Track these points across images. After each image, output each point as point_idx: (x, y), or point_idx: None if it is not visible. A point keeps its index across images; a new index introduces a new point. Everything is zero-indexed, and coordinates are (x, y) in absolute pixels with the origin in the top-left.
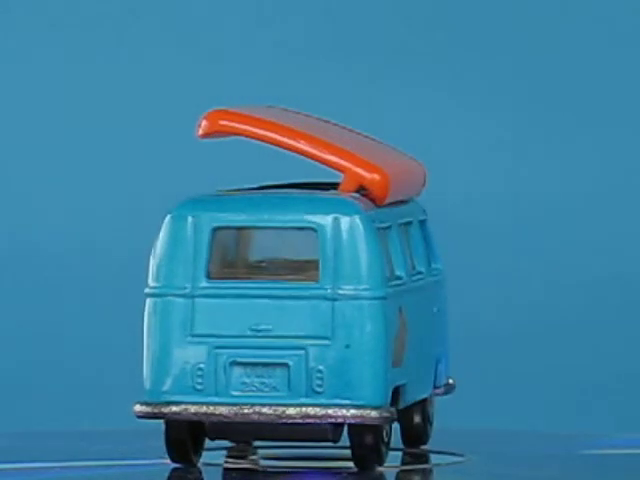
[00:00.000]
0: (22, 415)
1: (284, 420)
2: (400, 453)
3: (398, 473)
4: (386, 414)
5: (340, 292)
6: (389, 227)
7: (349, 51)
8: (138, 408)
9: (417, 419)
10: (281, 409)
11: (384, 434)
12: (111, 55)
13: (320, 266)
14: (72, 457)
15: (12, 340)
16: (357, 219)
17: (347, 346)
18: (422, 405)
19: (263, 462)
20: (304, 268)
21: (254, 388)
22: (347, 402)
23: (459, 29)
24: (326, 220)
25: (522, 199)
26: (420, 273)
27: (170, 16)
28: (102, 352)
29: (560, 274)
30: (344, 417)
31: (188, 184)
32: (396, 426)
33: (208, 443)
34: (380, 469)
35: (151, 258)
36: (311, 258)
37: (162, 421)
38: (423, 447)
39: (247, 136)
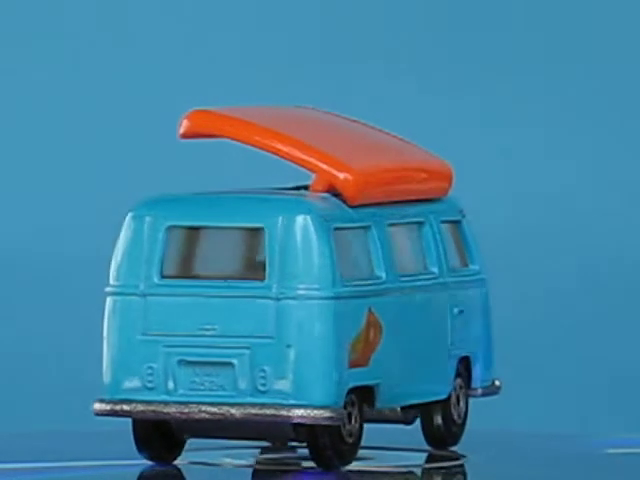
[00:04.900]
0: (22, 415)
1: (229, 419)
2: (404, 453)
3: (401, 473)
4: (330, 414)
5: (285, 291)
6: (367, 227)
7: (360, 50)
8: (96, 406)
9: (438, 420)
10: (225, 408)
11: (343, 433)
12: (98, 56)
13: (267, 265)
14: (72, 457)
15: (12, 339)
16: (307, 219)
17: (288, 346)
18: (443, 406)
19: (262, 462)
20: (254, 268)
21: (202, 387)
22: (292, 402)
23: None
24: (275, 220)
25: (545, 198)
26: (430, 273)
27: (158, 16)
28: (102, 352)
29: (563, 275)
30: (288, 417)
31: (174, 185)
32: (395, 426)
33: (209, 443)
34: (377, 469)
35: (113, 257)
36: (261, 258)
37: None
38: (443, 448)
39: (222, 136)
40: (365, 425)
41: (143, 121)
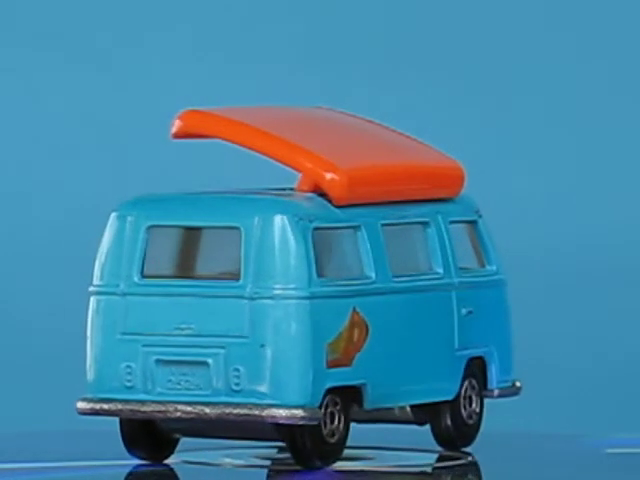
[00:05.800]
0: (21, 415)
1: (204, 418)
2: (405, 453)
3: (402, 473)
4: (304, 414)
5: (261, 291)
6: (356, 227)
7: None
8: (79, 405)
9: (446, 421)
10: (200, 407)
11: (324, 433)
12: (91, 55)
13: (242, 265)
14: (72, 457)
15: (11, 340)
16: (283, 219)
17: (262, 345)
18: (452, 407)
19: (263, 461)
20: (231, 267)
21: (179, 386)
22: (266, 401)
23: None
24: (250, 219)
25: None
26: (434, 274)
27: (156, 15)
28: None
29: (565, 276)
30: (261, 416)
31: (167, 185)
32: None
33: (208, 443)
34: (371, 468)
35: (97, 257)
36: (238, 257)
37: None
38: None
39: (214, 136)
40: (371, 425)
41: (137, 121)
